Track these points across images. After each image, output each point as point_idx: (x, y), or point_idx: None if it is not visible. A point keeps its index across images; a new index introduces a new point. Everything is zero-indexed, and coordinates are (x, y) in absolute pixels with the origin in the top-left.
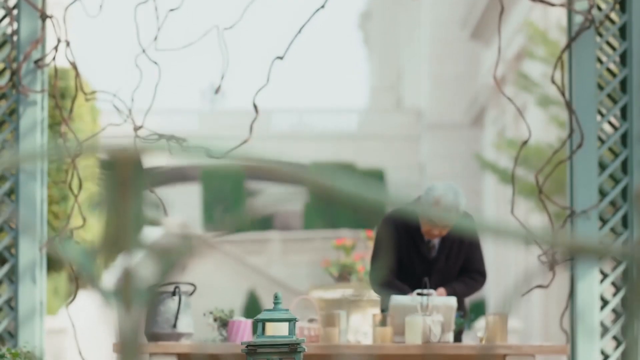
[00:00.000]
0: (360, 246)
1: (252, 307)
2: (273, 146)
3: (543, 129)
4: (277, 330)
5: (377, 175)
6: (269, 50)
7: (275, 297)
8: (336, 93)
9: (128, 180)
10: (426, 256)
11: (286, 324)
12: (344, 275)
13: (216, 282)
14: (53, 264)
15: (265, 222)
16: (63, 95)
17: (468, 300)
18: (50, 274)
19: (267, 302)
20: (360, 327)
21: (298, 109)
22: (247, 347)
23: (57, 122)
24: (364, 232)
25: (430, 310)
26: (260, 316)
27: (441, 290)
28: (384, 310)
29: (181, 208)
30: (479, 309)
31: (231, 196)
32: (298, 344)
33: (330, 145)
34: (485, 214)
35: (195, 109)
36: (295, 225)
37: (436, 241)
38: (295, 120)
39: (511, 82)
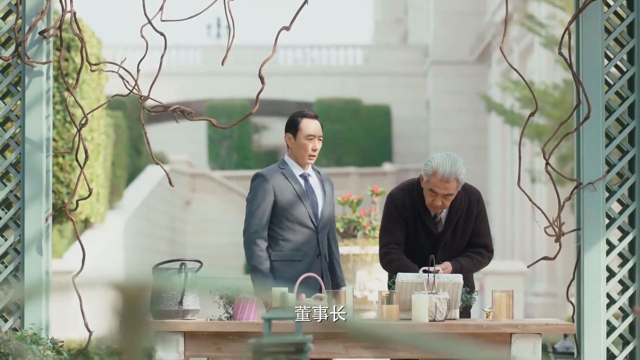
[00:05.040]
0: (366, 202)
1: None
2: (278, 82)
3: (549, 69)
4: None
5: (382, 111)
6: None
7: (283, 295)
8: (341, 28)
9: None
10: (433, 231)
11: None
12: (349, 230)
13: (222, 218)
14: (58, 216)
15: (270, 159)
16: (69, 48)
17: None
18: (54, 224)
19: None
20: (367, 283)
21: (303, 45)
22: (253, 346)
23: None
24: (370, 188)
25: (437, 288)
26: (267, 315)
27: (447, 264)
28: (391, 286)
29: (186, 144)
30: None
31: (237, 131)
32: (304, 343)
33: (336, 81)
34: (491, 151)
35: (200, 44)
36: None
37: (443, 215)
38: (300, 56)
39: (517, 23)
